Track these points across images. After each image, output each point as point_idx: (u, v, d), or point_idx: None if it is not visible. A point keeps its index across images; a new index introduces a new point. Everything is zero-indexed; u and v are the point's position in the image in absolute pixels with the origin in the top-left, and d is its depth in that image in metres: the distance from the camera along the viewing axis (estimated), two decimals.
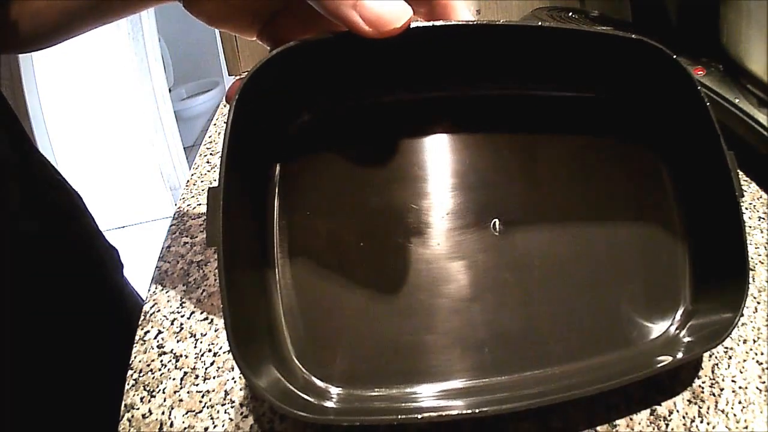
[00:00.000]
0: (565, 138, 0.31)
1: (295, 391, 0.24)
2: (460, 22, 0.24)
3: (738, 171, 0.26)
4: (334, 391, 0.26)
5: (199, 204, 0.43)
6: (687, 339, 0.27)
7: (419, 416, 0.22)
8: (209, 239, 0.22)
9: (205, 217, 0.40)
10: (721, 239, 0.28)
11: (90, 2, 0.30)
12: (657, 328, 0.28)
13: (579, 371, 0.27)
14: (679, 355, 0.26)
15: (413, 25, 0.22)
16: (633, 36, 0.25)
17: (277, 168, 0.28)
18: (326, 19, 0.22)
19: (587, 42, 0.27)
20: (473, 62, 0.28)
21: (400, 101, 0.30)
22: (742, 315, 0.25)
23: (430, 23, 0.23)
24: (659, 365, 0.25)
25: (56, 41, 0.33)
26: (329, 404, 0.25)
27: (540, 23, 0.25)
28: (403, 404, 0.25)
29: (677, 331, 0.28)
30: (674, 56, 0.26)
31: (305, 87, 0.27)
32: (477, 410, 0.22)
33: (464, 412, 0.22)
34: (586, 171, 0.31)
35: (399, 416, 0.22)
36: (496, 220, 0.29)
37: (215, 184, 0.22)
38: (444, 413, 0.22)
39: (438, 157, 0.30)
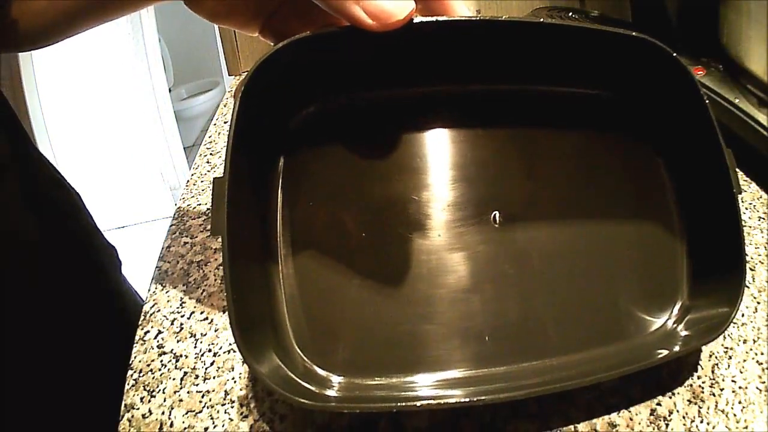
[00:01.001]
0: (565, 133, 0.32)
1: (296, 379, 0.24)
2: (462, 18, 0.24)
3: (737, 169, 0.26)
4: (336, 379, 0.26)
5: (199, 204, 0.43)
6: (684, 333, 0.28)
7: (418, 404, 0.22)
8: (214, 228, 0.22)
9: (205, 217, 0.41)
10: (718, 235, 0.28)
11: (90, 1, 0.30)
12: (654, 322, 0.29)
13: (577, 363, 0.27)
14: (677, 349, 0.26)
15: (418, 20, 0.22)
16: (633, 33, 0.26)
17: (281, 160, 0.29)
18: (328, 13, 0.22)
19: (587, 39, 0.27)
20: (474, 57, 0.28)
21: (402, 95, 0.30)
22: (739, 309, 0.25)
23: (435, 18, 0.24)
24: (657, 357, 0.25)
25: (56, 40, 0.33)
26: (330, 393, 0.25)
27: (541, 20, 0.25)
28: (404, 393, 0.26)
29: (675, 326, 0.28)
30: (674, 54, 0.26)
31: (308, 80, 0.27)
32: (474, 399, 0.22)
33: (462, 400, 0.22)
34: (586, 166, 0.31)
35: (398, 404, 0.22)
36: (497, 212, 0.29)
37: (220, 174, 0.22)
38: (442, 401, 0.22)
39: (439, 150, 0.30)
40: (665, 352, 0.26)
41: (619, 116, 0.32)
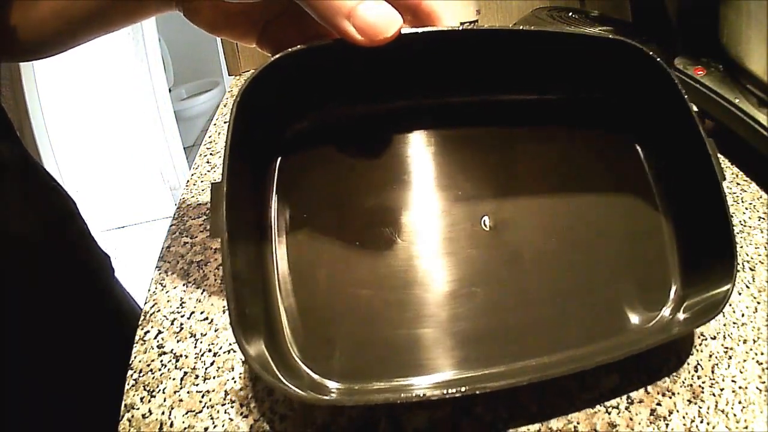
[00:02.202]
0: (548, 135, 0.33)
1: (297, 390, 0.24)
2: (443, 28, 0.25)
3: (719, 156, 0.28)
4: (333, 385, 0.26)
5: (199, 204, 0.43)
6: (683, 317, 0.28)
7: (421, 393, 0.22)
8: (213, 230, 0.22)
9: (205, 217, 0.41)
10: (706, 222, 0.28)
11: (93, 9, 0.30)
12: (651, 313, 0.29)
13: (575, 359, 0.27)
14: (675, 331, 0.27)
15: (404, 31, 0.23)
16: (610, 36, 0.27)
17: (276, 171, 0.29)
18: (322, 25, 0.23)
19: (567, 44, 0.29)
20: (457, 67, 0.29)
21: (389, 107, 0.31)
22: (733, 290, 0.25)
23: (419, 29, 0.24)
24: (656, 339, 0.26)
25: (58, 50, 0.33)
26: (329, 398, 0.25)
27: (521, 27, 0.26)
28: (402, 396, 0.26)
29: (672, 315, 0.29)
30: (650, 53, 0.27)
31: (302, 93, 0.28)
32: (476, 386, 0.23)
33: (462, 388, 0.22)
34: (572, 166, 0.32)
35: (401, 395, 0.23)
36: (486, 217, 0.30)
37: (217, 181, 0.23)
38: (446, 391, 0.22)
39: (429, 159, 0.31)
40: (664, 336, 0.27)
41: (601, 114, 0.33)
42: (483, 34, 0.27)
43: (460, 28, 0.25)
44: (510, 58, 0.29)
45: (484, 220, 0.30)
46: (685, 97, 0.27)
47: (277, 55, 0.24)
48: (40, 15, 0.30)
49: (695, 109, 0.48)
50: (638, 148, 0.32)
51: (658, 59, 0.27)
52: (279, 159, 0.30)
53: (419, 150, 0.31)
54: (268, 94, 0.25)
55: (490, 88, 0.31)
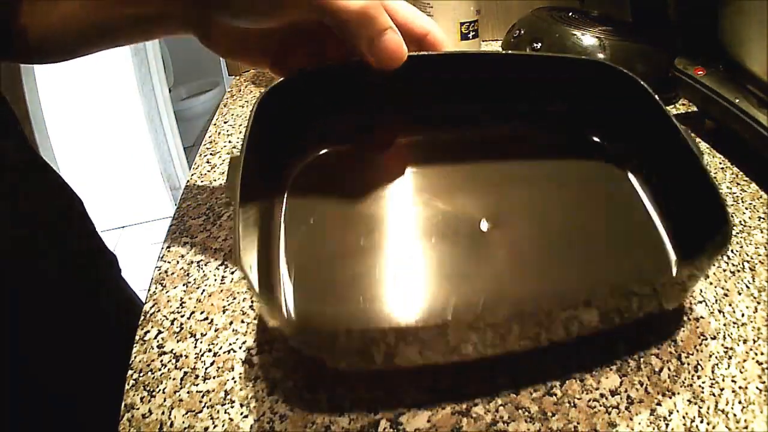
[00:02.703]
0: (544, 139, 0.36)
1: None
2: (437, 53, 0.30)
3: (702, 151, 0.30)
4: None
5: (199, 204, 0.43)
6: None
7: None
8: (228, 190, 0.25)
9: (205, 217, 0.41)
10: (695, 202, 0.29)
11: (104, 23, 0.30)
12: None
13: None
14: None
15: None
16: (586, 58, 0.32)
17: (287, 174, 0.32)
18: (330, 49, 0.27)
19: (554, 66, 0.33)
20: (456, 81, 0.33)
21: (393, 118, 0.35)
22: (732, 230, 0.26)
23: (416, 53, 0.29)
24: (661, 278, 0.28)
25: (64, 57, 0.33)
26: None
27: (509, 51, 0.30)
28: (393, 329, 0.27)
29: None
30: (626, 71, 0.30)
31: (313, 104, 0.32)
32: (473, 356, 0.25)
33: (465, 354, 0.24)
34: (566, 170, 0.35)
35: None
36: (484, 219, 0.31)
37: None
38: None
39: (429, 166, 0.34)
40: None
41: (589, 121, 0.36)
42: (476, 57, 0.34)
43: (457, 53, 0.30)
44: (503, 77, 0.33)
45: (482, 222, 0.31)
46: (663, 105, 0.31)
47: (295, 71, 0.28)
48: (49, 21, 0.30)
49: (695, 109, 0.48)
50: (627, 151, 0.35)
51: (635, 77, 0.30)
52: (290, 164, 0.32)
53: (420, 158, 0.34)
54: (283, 105, 0.29)
55: (486, 99, 0.35)
